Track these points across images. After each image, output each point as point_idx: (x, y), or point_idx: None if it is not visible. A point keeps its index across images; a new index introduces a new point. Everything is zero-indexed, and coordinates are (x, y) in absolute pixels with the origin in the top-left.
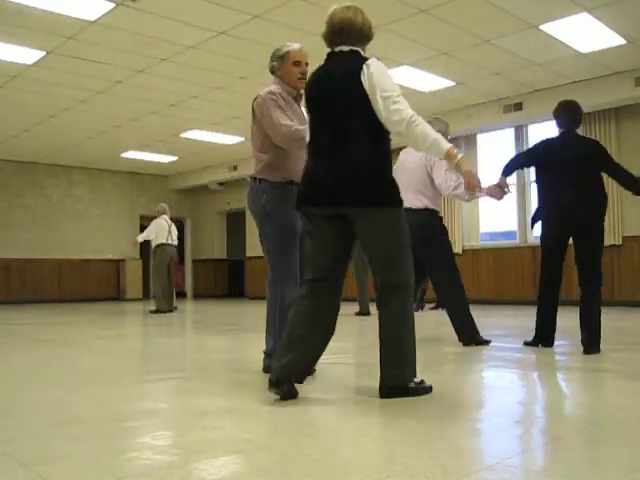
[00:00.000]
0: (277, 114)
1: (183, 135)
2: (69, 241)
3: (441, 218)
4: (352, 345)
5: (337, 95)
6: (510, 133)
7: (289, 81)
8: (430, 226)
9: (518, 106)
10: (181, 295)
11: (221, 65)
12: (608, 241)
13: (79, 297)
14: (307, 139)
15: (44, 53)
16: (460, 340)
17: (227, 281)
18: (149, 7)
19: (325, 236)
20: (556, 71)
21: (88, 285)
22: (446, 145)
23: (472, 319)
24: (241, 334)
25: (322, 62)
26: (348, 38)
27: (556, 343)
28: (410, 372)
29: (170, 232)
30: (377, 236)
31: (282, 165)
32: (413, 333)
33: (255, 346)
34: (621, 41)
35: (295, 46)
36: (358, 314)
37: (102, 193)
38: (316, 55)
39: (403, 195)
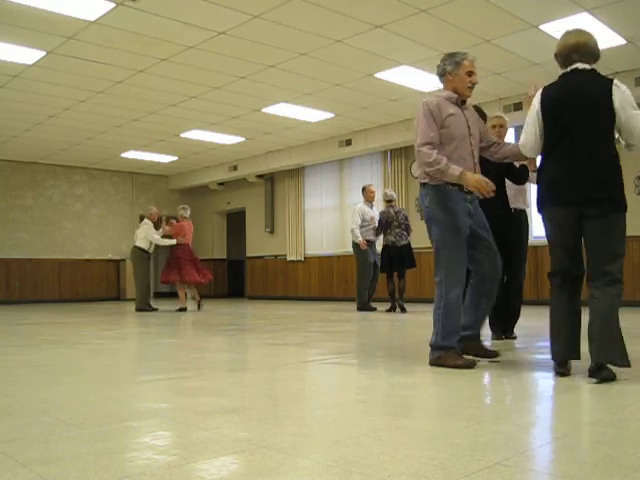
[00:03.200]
0: (424, 127)
1: (183, 135)
2: (69, 241)
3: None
4: (353, 345)
5: (586, 112)
6: (510, 133)
7: (460, 88)
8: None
9: (518, 106)
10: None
11: (221, 65)
12: None
13: (79, 297)
14: (439, 164)
15: (44, 53)
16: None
17: (227, 281)
18: (149, 7)
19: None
20: (556, 71)
21: (88, 285)
22: None
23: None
24: (241, 334)
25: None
26: (583, 56)
27: None
28: (617, 354)
29: (136, 235)
30: (608, 233)
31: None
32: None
33: (255, 346)
34: (621, 41)
35: (471, 56)
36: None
37: (102, 193)
38: (314, 54)
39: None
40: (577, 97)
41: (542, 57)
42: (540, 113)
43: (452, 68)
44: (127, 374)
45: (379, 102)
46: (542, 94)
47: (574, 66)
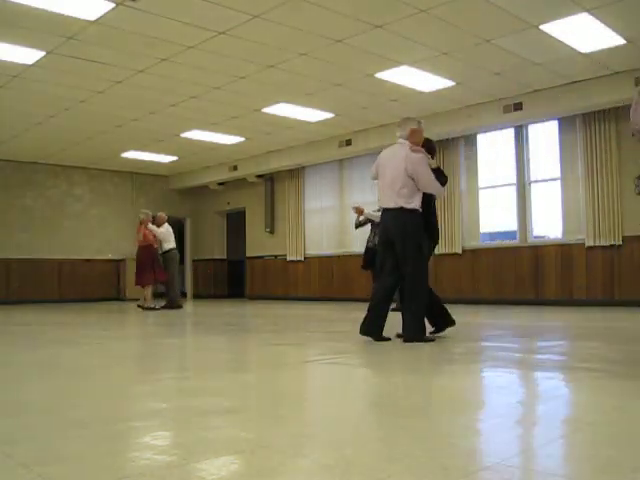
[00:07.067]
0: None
1: (183, 135)
2: (69, 241)
3: (420, 217)
4: (352, 345)
5: None
6: (510, 133)
7: None
8: (403, 225)
9: (518, 106)
10: (181, 295)
11: (221, 65)
12: (608, 241)
13: (79, 297)
14: None
15: (44, 53)
16: (403, 337)
17: (227, 281)
18: (149, 7)
19: None
20: (556, 71)
21: (88, 285)
22: None
23: (423, 319)
24: (241, 334)
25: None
26: None
27: (554, 343)
28: None
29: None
30: None
31: None
32: None
33: (255, 346)
34: (621, 41)
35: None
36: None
37: (102, 193)
38: (314, 54)
39: (382, 196)
40: None
41: (542, 57)
42: None
43: None
44: (127, 374)
45: (379, 102)
46: None
47: None
